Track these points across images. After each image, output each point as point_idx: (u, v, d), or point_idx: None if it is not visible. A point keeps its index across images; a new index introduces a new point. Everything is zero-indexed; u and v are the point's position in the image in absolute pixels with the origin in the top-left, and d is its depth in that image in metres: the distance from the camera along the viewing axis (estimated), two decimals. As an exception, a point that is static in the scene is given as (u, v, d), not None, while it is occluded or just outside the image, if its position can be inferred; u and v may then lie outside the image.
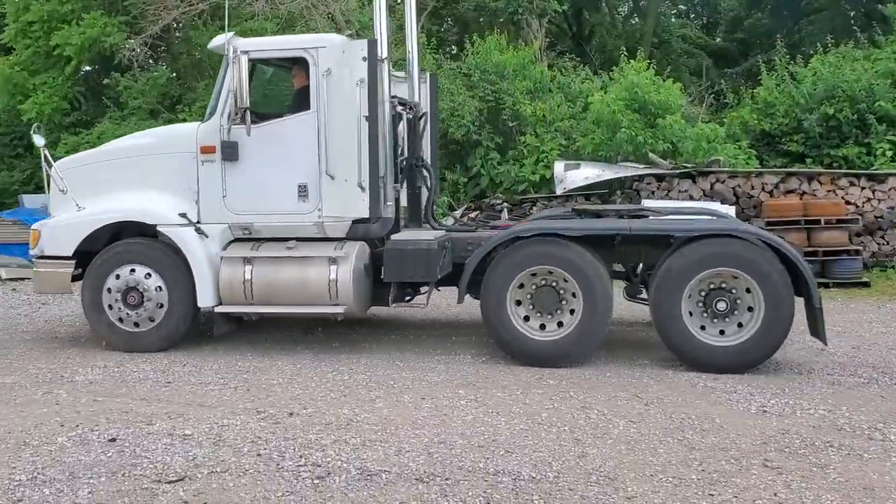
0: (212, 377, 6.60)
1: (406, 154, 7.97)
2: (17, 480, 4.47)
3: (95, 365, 7.07)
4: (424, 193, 8.11)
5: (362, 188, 7.14)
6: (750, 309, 6.53)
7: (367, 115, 7.12)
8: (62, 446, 5.01)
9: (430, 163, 8.28)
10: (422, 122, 8.27)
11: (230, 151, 7.38)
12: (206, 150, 7.51)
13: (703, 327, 6.63)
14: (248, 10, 15.22)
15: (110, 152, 8.43)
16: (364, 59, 7.15)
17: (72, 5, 16.19)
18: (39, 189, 16.57)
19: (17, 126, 17.82)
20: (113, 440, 5.09)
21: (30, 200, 15.33)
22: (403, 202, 8.10)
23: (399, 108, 7.83)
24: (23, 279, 12.21)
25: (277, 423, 5.42)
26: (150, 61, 17.27)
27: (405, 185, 8.01)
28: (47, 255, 7.85)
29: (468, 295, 7.07)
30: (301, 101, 7.53)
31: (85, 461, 4.75)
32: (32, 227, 8.32)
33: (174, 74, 17.38)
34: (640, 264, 7.22)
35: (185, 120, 15.92)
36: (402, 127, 7.91)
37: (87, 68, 17.77)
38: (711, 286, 6.61)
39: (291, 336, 8.01)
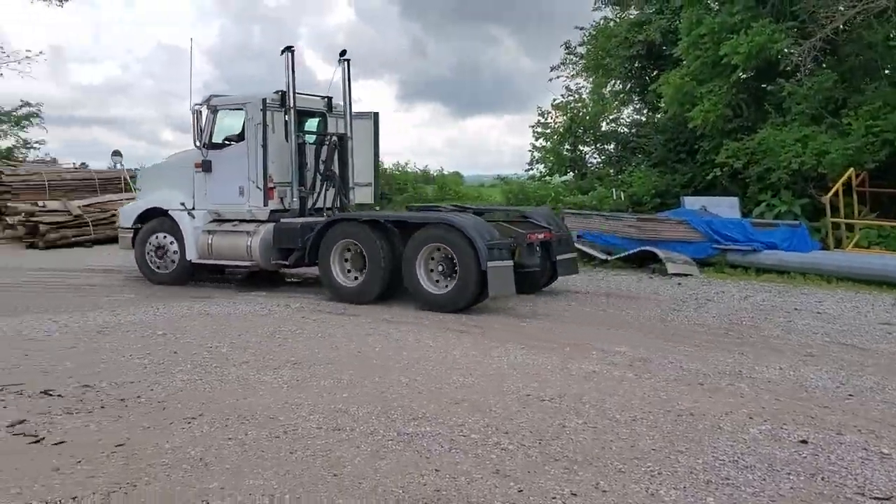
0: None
1: (323, 167, 12.14)
2: (720, 460, 4.83)
3: (770, 365, 7.23)
4: (338, 193, 12.36)
5: (259, 189, 11.56)
6: (455, 270, 9.87)
7: (262, 142, 11.45)
8: (755, 437, 5.24)
9: (345, 174, 12.40)
10: (343, 146, 12.34)
11: (207, 166, 12.05)
12: (198, 165, 12.15)
13: (437, 282, 10.09)
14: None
15: (158, 165, 13.79)
16: (260, 109, 11.49)
17: (741, 15, 16.80)
18: (699, 192, 17.69)
19: (681, 133, 19.31)
20: (804, 442, 5.13)
21: (690, 202, 16.44)
22: (327, 200, 12.30)
23: (304, 138, 12.06)
24: (687, 275, 13.15)
25: None
26: (813, 65, 16.88)
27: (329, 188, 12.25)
28: (122, 226, 13.24)
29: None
30: (241, 135, 11.90)
31: (780, 457, 4.88)
32: (118, 209, 14.38)
33: (839, 77, 16.69)
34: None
35: (849, 125, 15.21)
36: (321, 151, 12.19)
37: (749, 75, 18.23)
38: (444, 254, 9.99)
39: None
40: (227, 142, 12.24)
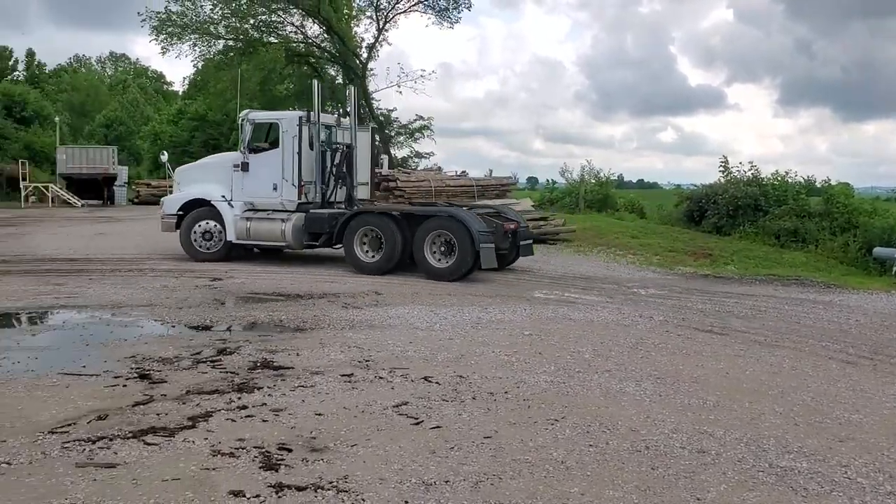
0: None
1: (332, 169, 15.24)
2: None
3: None
4: (349, 190, 15.49)
5: (294, 186, 14.72)
6: (454, 250, 13.32)
7: (297, 150, 14.67)
8: None
9: (352, 175, 15.48)
10: (350, 153, 15.42)
11: (245, 166, 15.01)
12: (237, 165, 15.12)
13: (437, 257, 13.55)
14: None
15: (195, 165, 17.24)
16: (297, 125, 14.71)
17: None
18: None
19: None
20: None
21: None
22: (338, 196, 15.44)
23: (326, 147, 15.09)
24: None
25: None
26: None
27: (340, 186, 15.39)
28: (167, 213, 15.83)
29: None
30: (276, 143, 14.95)
31: None
32: (162, 199, 17.08)
33: None
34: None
35: None
36: (335, 156, 15.30)
37: None
38: (444, 238, 13.45)
39: None
40: (261, 147, 15.13)
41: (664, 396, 6.46)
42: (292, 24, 43.42)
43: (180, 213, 15.80)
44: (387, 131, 45.71)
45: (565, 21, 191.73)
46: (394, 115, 47.42)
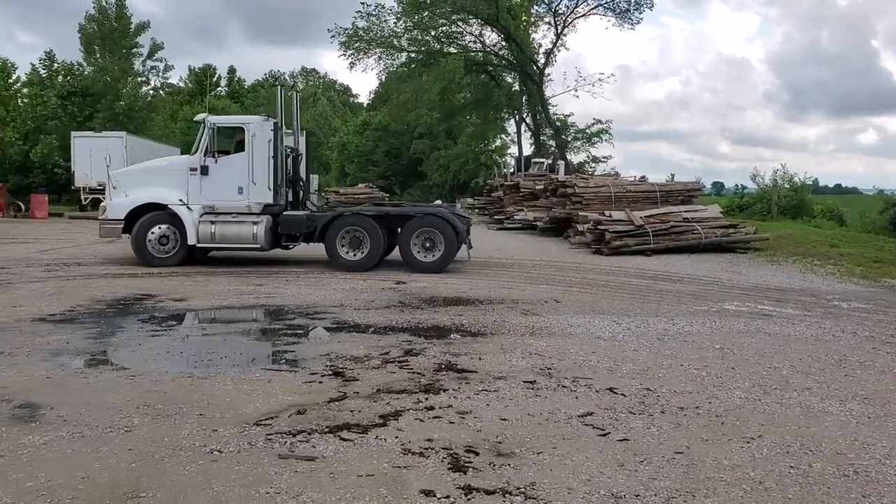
0: None
1: (290, 173, 16.21)
2: None
3: None
4: (304, 193, 16.68)
5: (269, 188, 15.19)
6: (436, 246, 15.04)
7: (272, 154, 15.20)
8: None
9: (303, 177, 16.80)
10: (299, 158, 16.60)
11: (205, 169, 15.13)
12: (193, 169, 15.17)
13: (421, 253, 15.11)
14: None
15: (144, 167, 16.70)
16: (272, 129, 15.25)
17: None
18: None
19: None
20: None
21: None
22: (290, 197, 16.24)
23: (288, 151, 16.08)
24: None
25: None
26: None
27: (291, 189, 16.24)
28: (111, 218, 15.26)
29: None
30: (240, 147, 15.35)
31: None
32: (102, 204, 16.23)
33: None
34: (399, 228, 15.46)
35: None
36: (289, 160, 16.16)
37: None
38: (426, 235, 15.08)
39: None
40: (226, 151, 15.41)
41: (873, 419, 5.97)
42: (471, 33, 44.30)
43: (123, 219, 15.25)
44: (563, 136, 45.48)
45: (753, 18, 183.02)
46: (570, 119, 47.15)
